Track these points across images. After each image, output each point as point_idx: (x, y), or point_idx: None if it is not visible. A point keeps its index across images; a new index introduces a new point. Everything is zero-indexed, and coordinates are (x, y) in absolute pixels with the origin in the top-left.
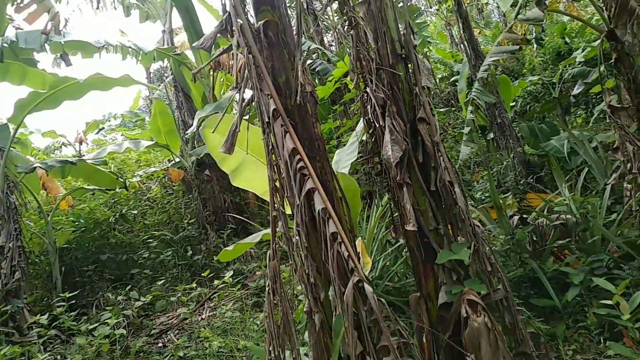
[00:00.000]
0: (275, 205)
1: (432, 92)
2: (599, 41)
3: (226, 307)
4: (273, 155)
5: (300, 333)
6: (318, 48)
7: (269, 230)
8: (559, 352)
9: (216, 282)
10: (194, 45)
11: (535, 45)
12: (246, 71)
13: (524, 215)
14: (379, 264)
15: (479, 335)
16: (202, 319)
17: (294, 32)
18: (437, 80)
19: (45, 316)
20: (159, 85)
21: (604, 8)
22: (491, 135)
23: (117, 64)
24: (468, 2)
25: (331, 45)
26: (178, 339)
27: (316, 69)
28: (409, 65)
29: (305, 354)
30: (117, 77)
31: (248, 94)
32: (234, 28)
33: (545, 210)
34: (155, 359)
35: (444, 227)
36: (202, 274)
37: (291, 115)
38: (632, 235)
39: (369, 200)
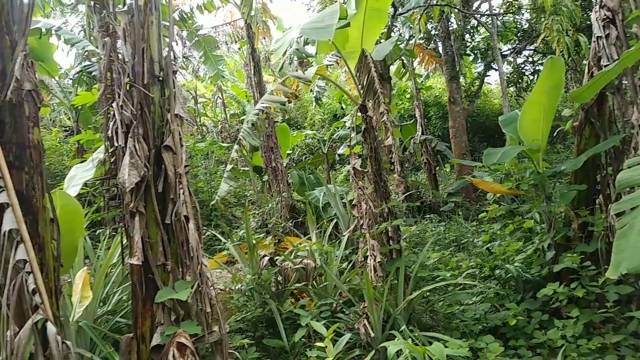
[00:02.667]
0: None
1: (220, 126)
2: (354, 112)
3: None
4: None
5: None
6: (97, 51)
7: None
8: None
9: None
10: None
11: (314, 104)
12: None
13: (275, 257)
14: (114, 298)
15: None
16: None
17: (23, 18)
18: (229, 115)
19: None
20: None
21: (359, 84)
22: (266, 177)
23: None
24: (266, 49)
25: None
26: None
27: (92, 73)
28: (165, 90)
29: None
30: None
31: None
32: None
33: (292, 254)
34: None
35: (173, 264)
36: None
37: None
38: (354, 284)
39: (114, 227)
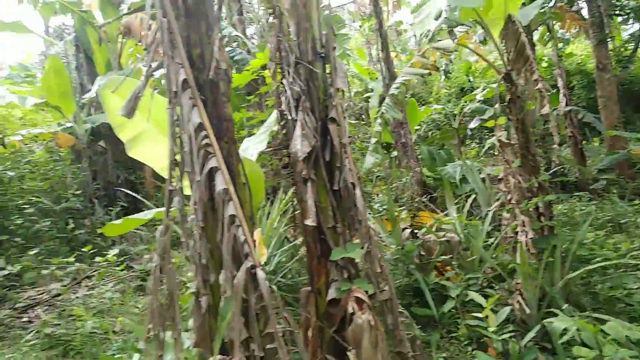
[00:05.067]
0: (173, 180)
1: (345, 103)
2: (497, 82)
3: (106, 287)
4: (177, 128)
5: (183, 319)
6: (239, 36)
7: (162, 209)
8: (431, 358)
9: (98, 259)
10: None
11: (442, 77)
12: (156, 35)
13: (415, 230)
14: (275, 259)
15: (362, 331)
16: (77, 297)
17: (215, 6)
18: (352, 94)
19: None
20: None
21: (505, 51)
22: (395, 153)
23: (11, 7)
24: (389, 25)
25: (252, 38)
26: (47, 315)
27: (234, 58)
28: (327, 66)
29: (188, 338)
30: (7, 22)
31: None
32: None
33: (434, 228)
34: (16, 334)
35: (342, 226)
36: (83, 249)
37: (202, 90)
38: (504, 259)
39: (273, 195)
